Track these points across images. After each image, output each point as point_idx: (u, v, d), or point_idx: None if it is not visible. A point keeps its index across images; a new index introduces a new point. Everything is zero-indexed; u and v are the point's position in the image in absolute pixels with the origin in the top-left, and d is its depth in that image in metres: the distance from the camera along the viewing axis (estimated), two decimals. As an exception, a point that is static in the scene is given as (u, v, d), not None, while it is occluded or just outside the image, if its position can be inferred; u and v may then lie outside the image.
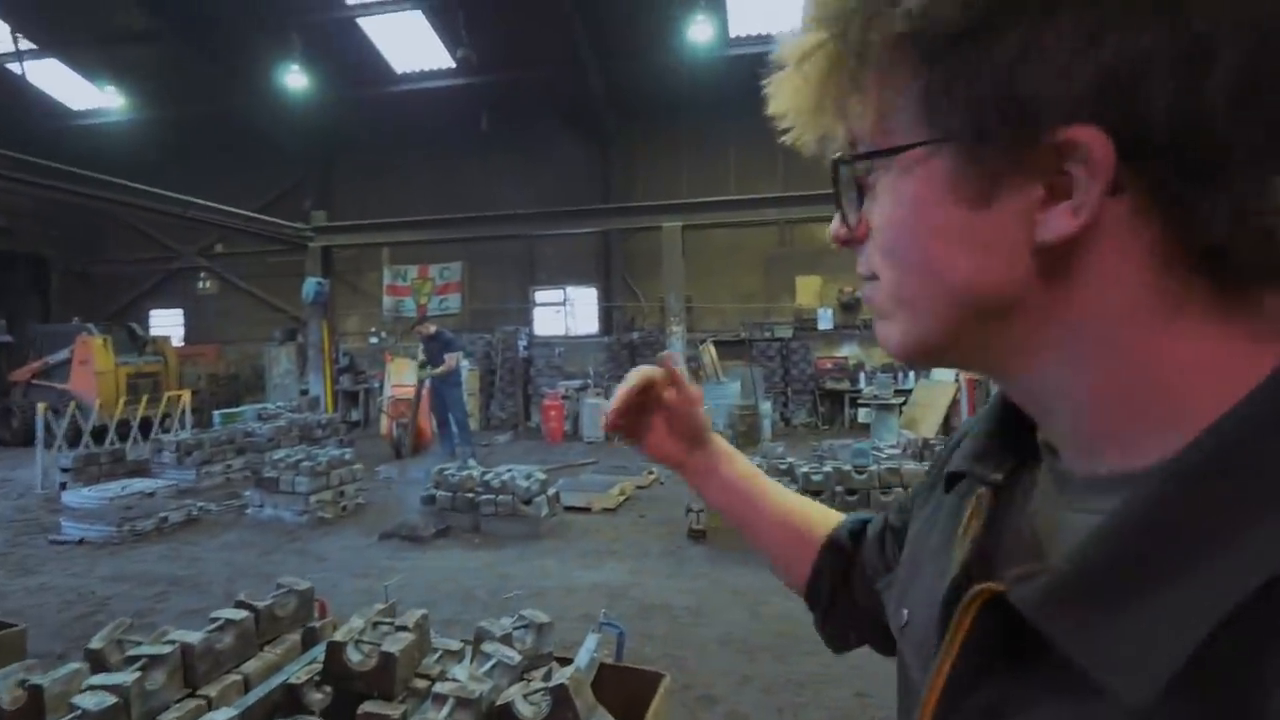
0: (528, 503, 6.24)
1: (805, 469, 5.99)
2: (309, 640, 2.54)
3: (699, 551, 5.83)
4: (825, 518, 0.83)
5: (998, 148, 0.35)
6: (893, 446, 7.33)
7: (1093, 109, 0.32)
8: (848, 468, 5.88)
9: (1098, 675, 0.32)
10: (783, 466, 6.25)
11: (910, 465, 5.93)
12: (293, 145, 16.63)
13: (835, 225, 0.47)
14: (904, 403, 11.57)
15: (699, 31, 12.53)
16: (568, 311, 16.56)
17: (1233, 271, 0.33)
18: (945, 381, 11.49)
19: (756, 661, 3.87)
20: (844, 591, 0.75)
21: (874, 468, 5.83)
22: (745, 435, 11.11)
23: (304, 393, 13.15)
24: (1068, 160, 0.33)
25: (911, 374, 12.70)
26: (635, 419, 0.80)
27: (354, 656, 2.13)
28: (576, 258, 16.13)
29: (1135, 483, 0.34)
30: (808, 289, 14.31)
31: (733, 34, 13.45)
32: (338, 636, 2.19)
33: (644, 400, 0.79)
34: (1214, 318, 0.34)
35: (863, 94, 0.40)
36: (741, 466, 0.85)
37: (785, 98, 0.46)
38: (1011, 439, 0.47)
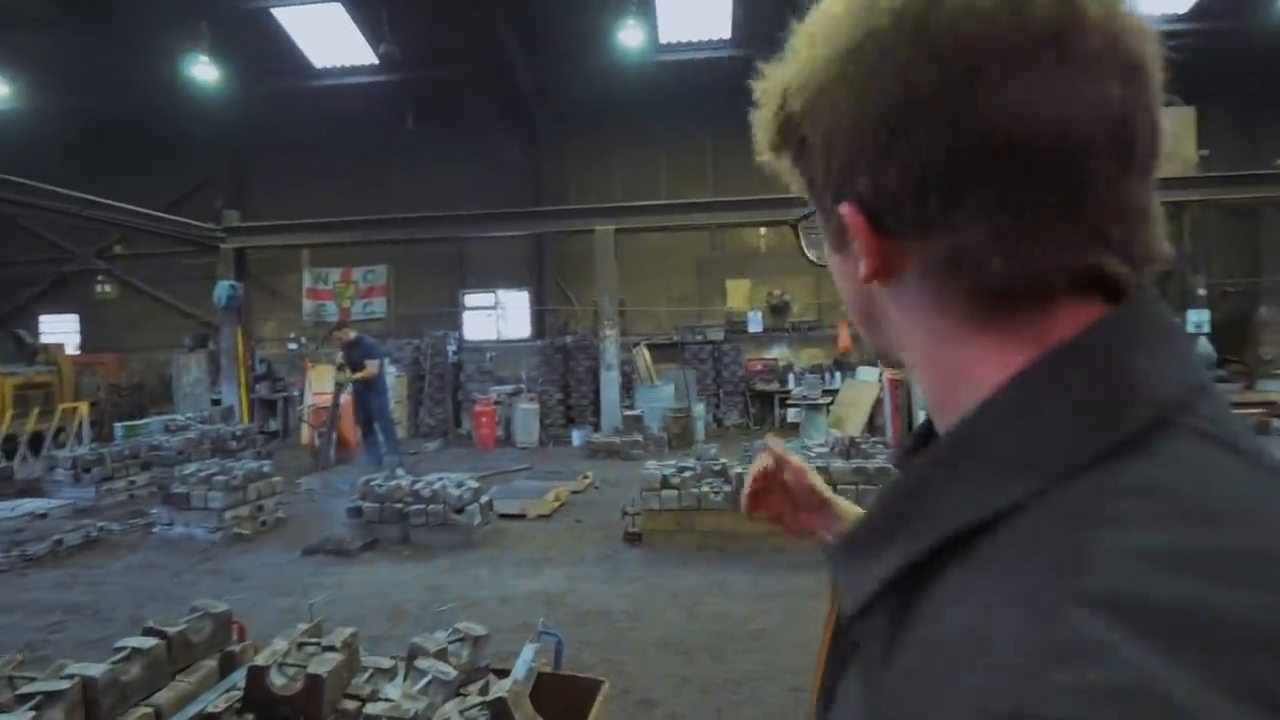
0: (459, 511, 6.10)
1: (738, 470, 6.07)
2: (227, 666, 2.40)
3: (635, 555, 5.83)
4: None
5: (823, 214, 0.50)
6: (821, 445, 7.52)
7: (849, 193, 0.45)
8: (779, 467, 5.99)
9: (840, 597, 0.45)
10: (716, 468, 6.33)
11: (838, 463, 6.11)
12: (203, 141, 15.77)
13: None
14: (831, 402, 11.90)
15: (629, 36, 12.58)
16: (499, 315, 16.32)
17: (985, 300, 0.43)
18: (869, 381, 11.89)
19: (694, 662, 3.89)
20: None
21: (804, 467, 5.96)
22: (678, 437, 11.20)
23: (216, 402, 12.46)
24: (845, 228, 0.45)
25: (838, 375, 13.10)
26: (768, 500, 0.93)
27: (278, 680, 2.02)
28: (508, 261, 15.92)
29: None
30: (738, 292, 14.57)
31: (662, 40, 13.57)
32: (259, 660, 2.08)
33: (769, 484, 0.92)
34: (982, 337, 0.43)
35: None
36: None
37: None
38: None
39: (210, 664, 2.42)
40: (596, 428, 12.09)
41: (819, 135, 0.45)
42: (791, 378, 13.42)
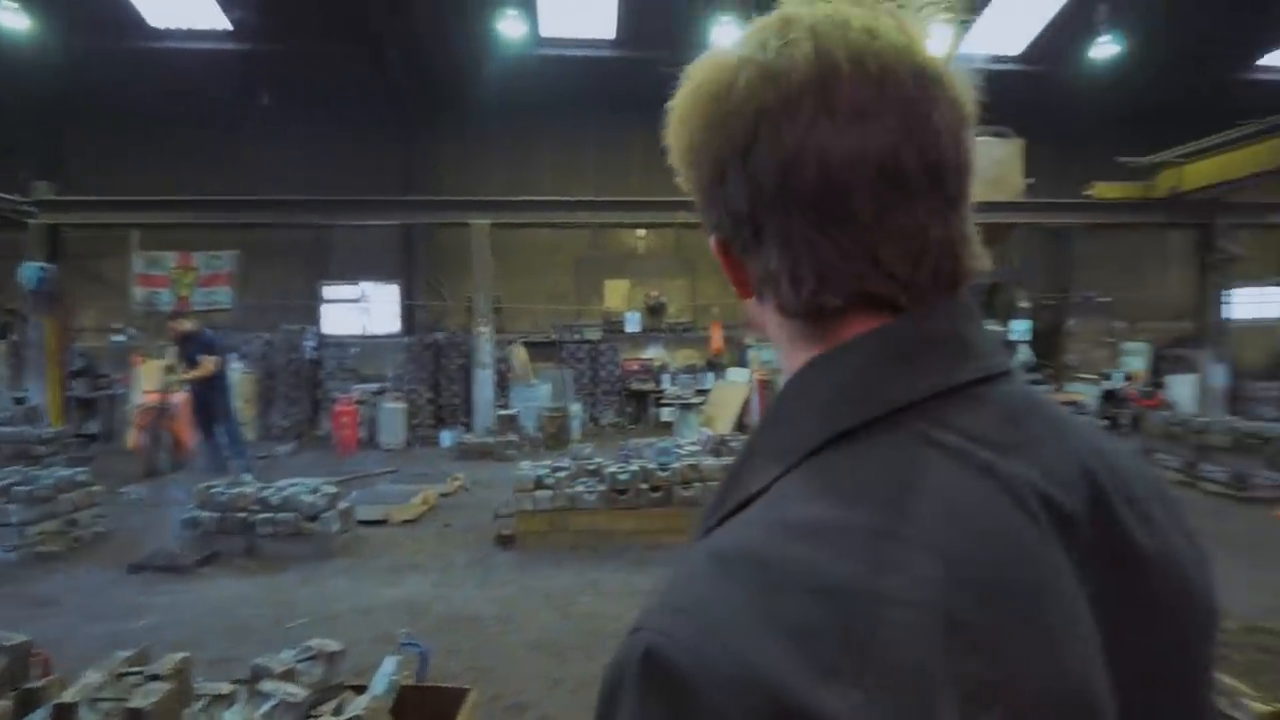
0: (314, 519, 5.67)
1: (613, 469, 6.08)
2: (27, 704, 2.07)
3: (508, 558, 5.69)
4: None
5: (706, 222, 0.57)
6: (693, 444, 7.70)
7: (711, 228, 0.55)
8: (653, 466, 6.06)
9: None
10: (591, 467, 6.30)
11: (708, 461, 6.26)
12: (8, 102, 13.76)
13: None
14: (703, 402, 12.26)
15: (510, 27, 12.29)
16: (364, 309, 15.43)
17: (793, 314, 0.52)
18: (740, 382, 12.35)
19: (567, 663, 3.84)
20: None
21: (676, 465, 6.07)
22: (554, 437, 11.09)
23: (19, 401, 10.88)
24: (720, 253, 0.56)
25: (710, 375, 13.51)
26: None
27: (89, 718, 1.76)
28: (376, 252, 15.04)
29: None
30: (616, 292, 14.67)
31: (544, 33, 13.38)
32: (67, 697, 1.80)
33: None
34: (801, 342, 0.53)
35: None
36: None
37: None
38: None
39: (3, 704, 2.07)
40: (468, 428, 11.73)
41: (695, 188, 0.56)
42: (666, 378, 13.69)
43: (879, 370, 0.48)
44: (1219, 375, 13.11)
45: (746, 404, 11.94)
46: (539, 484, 5.97)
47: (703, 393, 12.70)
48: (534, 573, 5.29)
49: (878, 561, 0.39)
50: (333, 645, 2.52)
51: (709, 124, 0.51)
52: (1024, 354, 13.25)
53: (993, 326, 12.58)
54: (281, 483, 6.05)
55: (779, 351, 0.56)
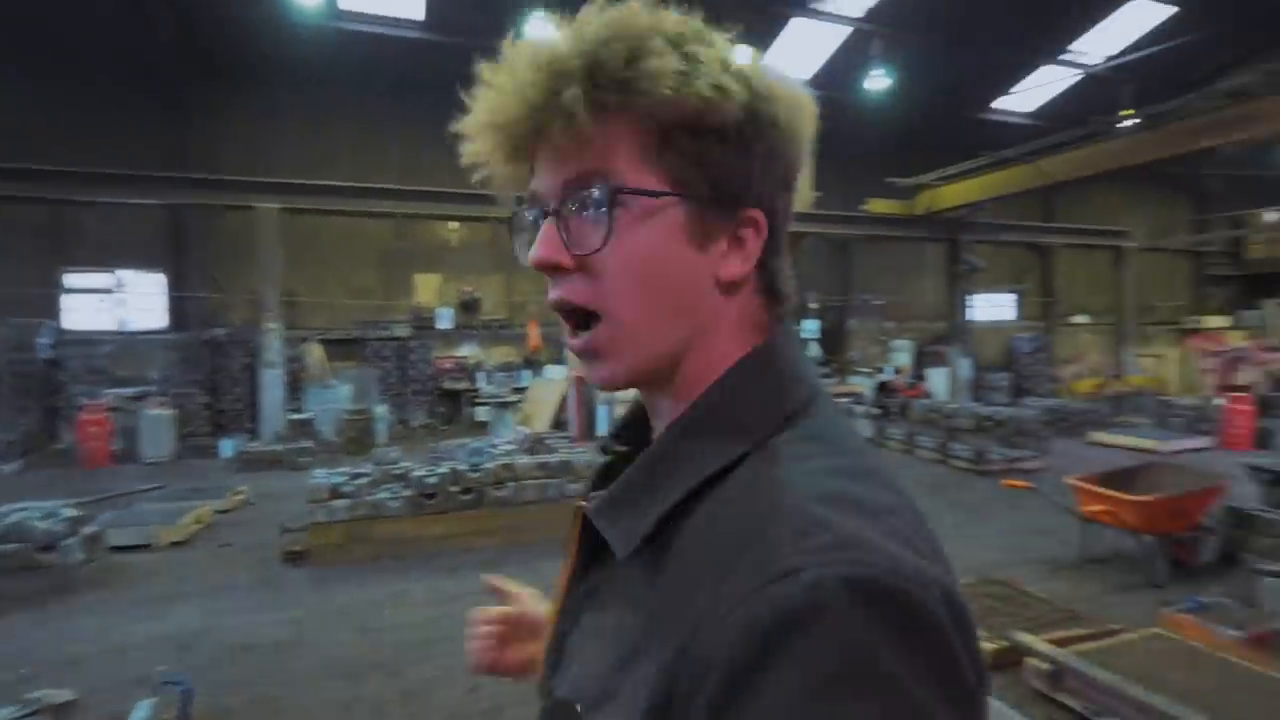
0: (50, 549, 4.79)
1: (420, 472, 5.78)
2: None
3: (299, 575, 5.19)
4: None
5: (716, 212, 0.55)
6: (508, 443, 7.55)
7: (761, 201, 0.56)
8: (463, 467, 5.85)
9: (611, 542, 0.54)
10: (397, 471, 5.94)
11: (523, 460, 6.17)
12: None
13: (550, 251, 0.55)
14: (520, 400, 12.09)
15: (300, -6, 11.21)
16: (120, 301, 13.29)
17: (771, 300, 0.60)
18: (556, 379, 12.34)
19: (365, 682, 3.57)
20: None
21: (489, 465, 5.91)
22: (356, 441, 10.34)
23: None
24: (746, 227, 0.56)
25: (527, 373, 13.35)
26: (505, 655, 0.81)
27: None
28: (135, 235, 12.95)
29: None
30: (427, 287, 14.00)
31: (343, 6, 12.36)
32: None
33: (505, 634, 0.81)
34: (751, 333, 0.58)
35: (591, 149, 0.53)
36: None
37: (487, 146, 0.56)
38: (636, 430, 0.65)
39: None
40: (254, 435, 10.58)
41: None
42: (482, 376, 13.31)
43: (799, 363, 0.58)
44: (965, 368, 15.38)
45: (564, 401, 11.96)
46: (335, 492, 5.51)
47: (520, 391, 12.52)
48: (329, 589, 4.87)
49: (907, 496, 0.51)
50: (63, 695, 2.12)
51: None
52: (814, 351, 14.62)
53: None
54: (3, 509, 5.03)
55: (690, 333, 0.56)
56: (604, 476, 0.64)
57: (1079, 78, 15.61)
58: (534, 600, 0.84)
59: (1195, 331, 19.00)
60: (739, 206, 0.55)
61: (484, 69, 0.55)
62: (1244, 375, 13.61)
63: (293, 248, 12.30)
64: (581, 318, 0.55)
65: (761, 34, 13.51)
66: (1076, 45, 15.06)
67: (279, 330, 10.48)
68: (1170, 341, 18.88)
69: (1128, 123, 10.62)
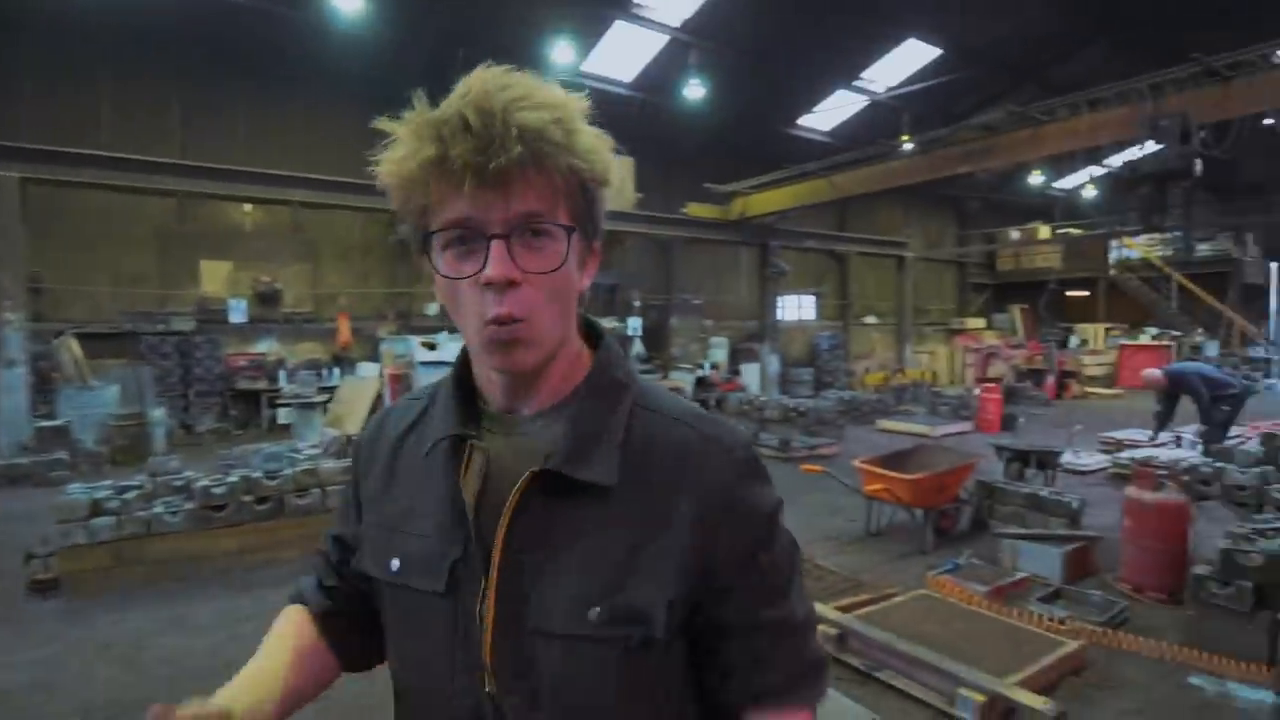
0: None
1: (205, 482, 5.17)
2: None
3: (49, 609, 4.45)
4: (298, 620, 0.92)
5: (585, 243, 0.75)
6: (314, 446, 6.99)
7: (599, 235, 0.78)
8: (258, 475, 5.32)
9: (595, 480, 0.72)
10: (178, 483, 5.27)
11: (329, 464, 5.73)
12: None
13: (506, 270, 0.68)
14: (329, 400, 11.23)
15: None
16: None
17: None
18: (370, 378, 11.61)
19: (134, 724, 3.14)
20: (362, 627, 0.90)
21: (288, 471, 5.42)
22: (127, 450, 9.04)
23: None
24: (592, 255, 0.78)
25: (336, 370, 12.43)
26: None
27: None
28: None
29: (564, 406, 0.77)
30: (215, 275, 12.54)
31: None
32: None
33: None
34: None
35: (533, 193, 0.68)
36: (248, 696, 0.82)
37: (414, 184, 0.69)
38: (466, 415, 0.80)
39: None
40: (-10, 446, 8.90)
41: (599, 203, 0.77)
42: (283, 374, 12.18)
43: (622, 357, 0.83)
44: (774, 364, 16.64)
45: (379, 399, 11.29)
46: (96, 510, 4.77)
47: (328, 390, 11.63)
48: (89, 622, 4.22)
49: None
50: None
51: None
52: (638, 347, 15.05)
53: (613, 323, 14.00)
54: None
55: (566, 331, 0.76)
56: (457, 453, 0.78)
57: (867, 104, 17.44)
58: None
59: (960, 331, 22.07)
60: (594, 239, 0.76)
61: (423, 113, 0.68)
62: (995, 369, 16.02)
63: (41, 226, 10.49)
64: (510, 321, 0.69)
65: (586, 34, 13.64)
66: (867, 74, 16.82)
67: (20, 322, 8.88)
68: (941, 340, 21.75)
69: (906, 147, 12.05)
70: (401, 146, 0.68)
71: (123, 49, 11.72)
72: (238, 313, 12.22)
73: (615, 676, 0.71)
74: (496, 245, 0.67)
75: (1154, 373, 7.78)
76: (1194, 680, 3.39)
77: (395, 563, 0.78)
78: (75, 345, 10.27)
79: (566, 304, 0.73)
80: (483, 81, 0.67)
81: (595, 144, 0.70)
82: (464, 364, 0.82)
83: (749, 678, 0.77)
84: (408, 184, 0.68)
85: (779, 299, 17.05)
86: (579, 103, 0.70)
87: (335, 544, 0.93)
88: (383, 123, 0.71)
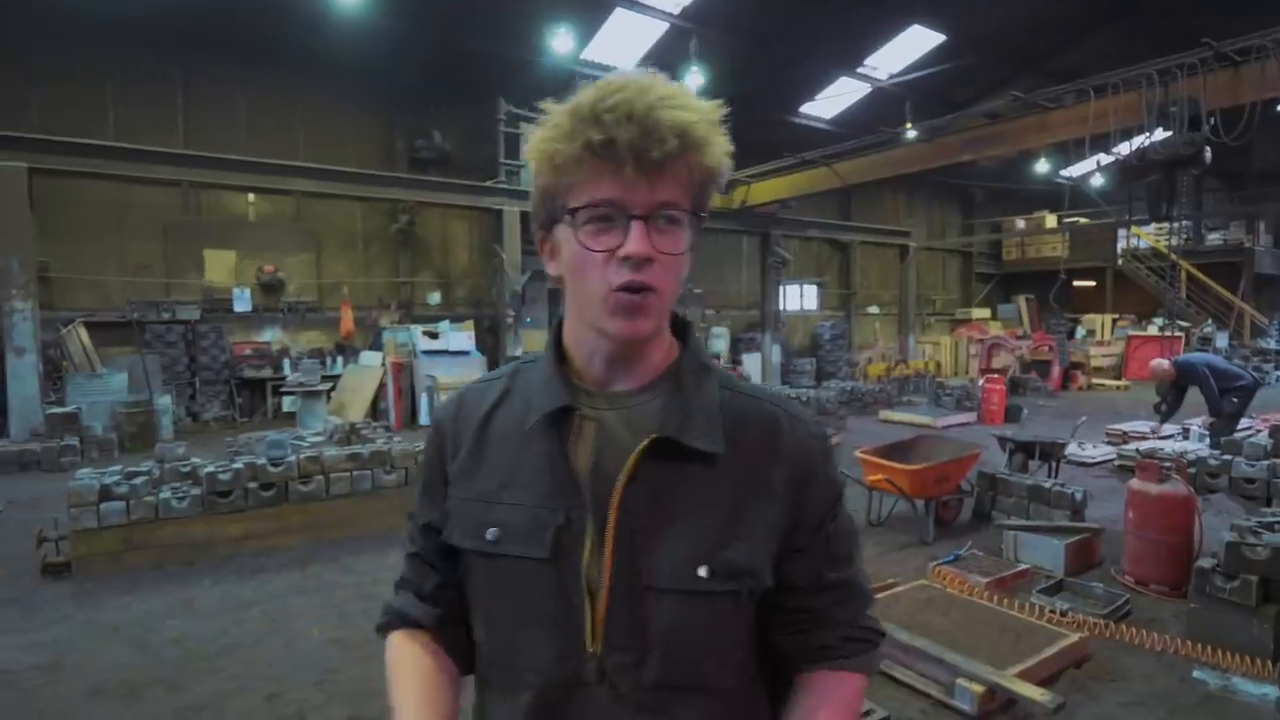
0: None
1: (211, 469, 5.21)
2: None
3: (62, 590, 4.51)
4: (410, 649, 0.92)
5: (697, 231, 0.81)
6: (317, 434, 7.04)
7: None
8: (261, 462, 5.35)
9: (708, 449, 0.79)
10: (185, 469, 5.32)
11: (332, 452, 5.76)
12: None
13: (646, 247, 0.75)
14: (332, 388, 11.29)
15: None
16: None
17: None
18: (373, 366, 11.66)
19: (142, 700, 3.18)
20: (460, 628, 0.92)
21: (292, 458, 5.45)
22: (136, 437, 9.11)
23: None
24: (696, 241, 0.82)
25: (340, 359, 12.47)
26: None
27: None
28: None
29: (660, 382, 0.84)
30: (220, 265, 12.57)
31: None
32: None
33: None
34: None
35: (675, 182, 0.76)
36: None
37: (571, 163, 0.75)
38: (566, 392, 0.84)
39: None
40: (3, 433, 9.00)
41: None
42: (287, 363, 12.23)
43: (700, 346, 0.92)
44: (775, 354, 16.62)
45: (381, 388, 11.34)
46: (107, 495, 4.82)
47: (332, 379, 11.68)
48: (98, 603, 4.28)
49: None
50: None
51: None
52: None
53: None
54: None
55: (667, 304, 0.81)
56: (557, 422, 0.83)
57: (870, 91, 17.31)
58: None
59: (964, 322, 21.98)
60: (699, 231, 0.81)
61: (584, 99, 0.74)
62: (999, 360, 15.96)
63: (49, 216, 10.52)
64: (641, 289, 0.76)
65: (587, 22, 13.55)
66: (870, 61, 16.67)
67: (31, 310, 8.93)
68: (945, 330, 21.67)
69: (909, 134, 11.96)
70: (559, 127, 0.74)
71: (127, 40, 11.68)
72: (242, 302, 12.26)
73: (725, 625, 0.80)
74: (638, 225, 0.74)
75: (1162, 363, 7.73)
76: (1197, 674, 3.37)
77: (493, 532, 0.81)
78: (83, 333, 10.33)
79: (678, 284, 0.79)
80: (628, 82, 0.73)
81: (725, 149, 0.77)
82: (557, 342, 0.87)
83: (809, 635, 0.87)
84: (565, 162, 0.74)
85: (781, 288, 17.00)
86: (717, 109, 0.77)
87: (426, 533, 0.92)
88: (547, 104, 0.77)
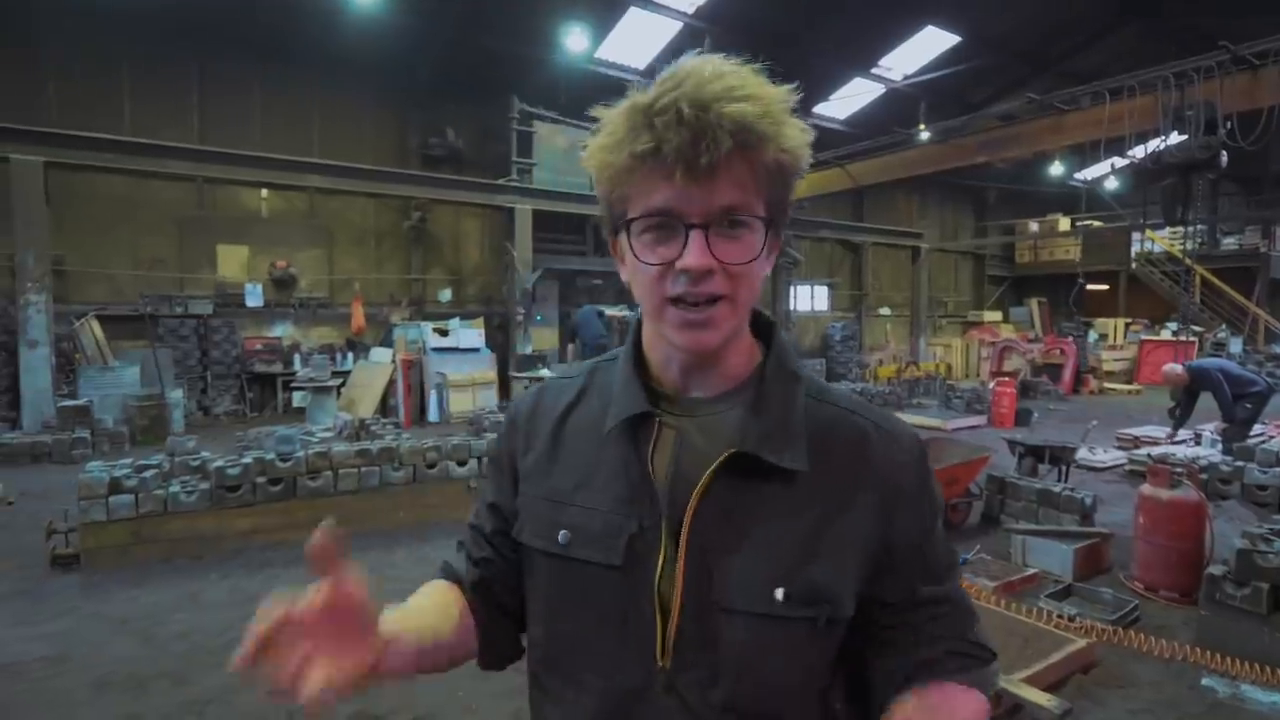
0: None
1: (220, 463, 5.25)
2: None
3: (69, 582, 4.55)
4: (445, 588, 0.89)
5: (774, 234, 0.75)
6: (327, 429, 7.07)
7: (786, 219, 0.79)
8: (270, 457, 5.39)
9: (789, 466, 0.75)
10: (194, 463, 5.35)
11: (341, 447, 5.79)
12: None
13: (705, 260, 0.70)
14: (342, 384, 11.34)
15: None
16: None
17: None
18: (383, 363, 11.71)
19: (148, 694, 3.21)
20: (499, 614, 0.89)
21: (300, 454, 5.48)
22: (148, 430, 9.20)
23: None
24: (776, 244, 0.77)
25: (350, 355, 12.53)
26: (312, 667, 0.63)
27: None
28: None
29: (741, 390, 0.80)
30: (232, 260, 12.65)
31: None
32: None
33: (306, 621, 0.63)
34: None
35: (736, 185, 0.70)
36: (409, 622, 0.78)
37: (623, 173, 0.72)
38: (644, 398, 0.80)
39: None
40: (15, 425, 9.09)
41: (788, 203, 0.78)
42: (298, 358, 12.30)
43: (791, 349, 0.87)
44: (785, 354, 16.53)
45: (391, 385, 11.39)
46: (116, 487, 4.86)
47: (341, 374, 11.73)
48: (106, 596, 4.31)
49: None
50: None
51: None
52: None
53: (624, 311, 13.99)
54: None
55: (740, 313, 0.76)
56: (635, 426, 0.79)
57: (884, 92, 17.22)
58: (354, 581, 0.64)
59: (976, 324, 21.84)
60: (779, 228, 0.76)
61: (637, 100, 0.70)
62: (1011, 363, 15.85)
63: (64, 209, 10.62)
64: (709, 299, 0.72)
65: (601, 21, 13.55)
66: (884, 61, 16.59)
67: (45, 303, 9.02)
68: (956, 332, 21.55)
69: (923, 136, 11.90)
70: (613, 134, 0.71)
71: (143, 34, 11.79)
72: (254, 297, 12.34)
73: (801, 654, 0.75)
74: (695, 235, 0.70)
75: (1175, 368, 7.65)
76: (1206, 682, 3.33)
77: (564, 534, 0.79)
78: (96, 327, 10.43)
79: (752, 291, 0.75)
80: (697, 70, 0.69)
81: (800, 137, 0.71)
82: (636, 345, 0.84)
83: (908, 653, 0.78)
84: (617, 173, 0.71)
85: (792, 288, 16.94)
86: (787, 94, 0.71)
87: (491, 511, 0.90)
88: (599, 110, 0.74)
